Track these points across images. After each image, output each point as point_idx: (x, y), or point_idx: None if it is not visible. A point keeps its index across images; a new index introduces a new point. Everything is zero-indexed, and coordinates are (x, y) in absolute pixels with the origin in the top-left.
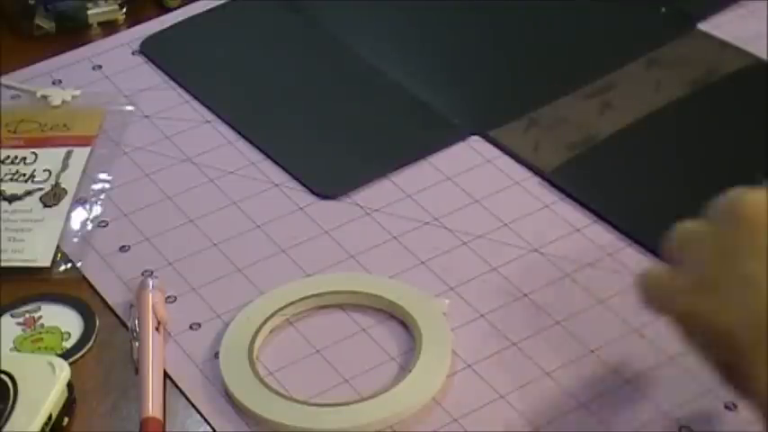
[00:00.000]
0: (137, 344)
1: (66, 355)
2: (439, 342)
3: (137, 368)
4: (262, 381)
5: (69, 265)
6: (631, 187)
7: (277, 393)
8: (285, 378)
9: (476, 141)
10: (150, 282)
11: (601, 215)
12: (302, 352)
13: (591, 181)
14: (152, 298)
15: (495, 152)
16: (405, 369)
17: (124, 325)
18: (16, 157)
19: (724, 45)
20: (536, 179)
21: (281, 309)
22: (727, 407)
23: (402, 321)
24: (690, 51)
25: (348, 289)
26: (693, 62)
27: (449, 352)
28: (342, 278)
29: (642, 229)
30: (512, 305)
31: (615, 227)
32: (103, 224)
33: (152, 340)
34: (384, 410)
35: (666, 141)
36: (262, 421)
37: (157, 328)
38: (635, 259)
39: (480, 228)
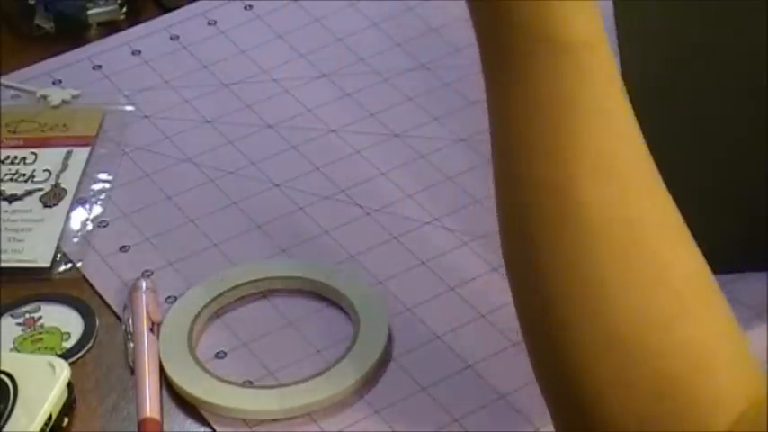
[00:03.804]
0: (131, 345)
1: (66, 355)
2: (376, 331)
3: (132, 369)
4: (198, 362)
5: (69, 265)
6: None
7: (210, 374)
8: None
9: (476, 140)
10: (143, 283)
11: None
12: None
13: None
14: (145, 298)
15: None
16: (337, 357)
17: None
18: (16, 157)
19: None
20: None
21: (223, 293)
22: None
23: (344, 309)
24: None
25: (293, 275)
26: None
27: (384, 343)
28: (288, 264)
29: None
30: (512, 305)
31: None
32: (103, 224)
33: (147, 341)
34: (307, 396)
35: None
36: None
37: (152, 329)
38: None
39: (481, 228)
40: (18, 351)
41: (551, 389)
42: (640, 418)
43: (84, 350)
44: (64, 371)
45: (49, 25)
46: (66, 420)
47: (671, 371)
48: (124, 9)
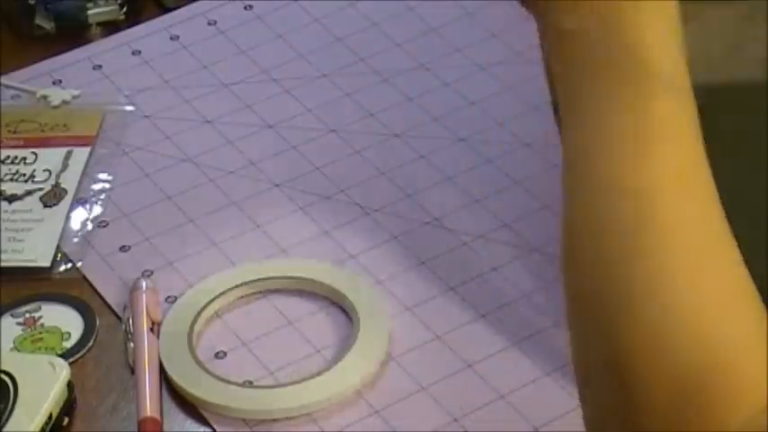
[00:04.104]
0: (131, 345)
1: (66, 355)
2: (376, 331)
3: (132, 369)
4: (198, 362)
5: (69, 265)
6: None
7: (210, 374)
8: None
9: (476, 141)
10: (143, 283)
11: None
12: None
13: None
14: (145, 298)
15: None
16: (337, 357)
17: None
18: (16, 157)
19: None
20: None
21: (223, 293)
22: None
23: (344, 309)
24: None
25: (293, 275)
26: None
27: (384, 343)
28: (288, 264)
29: None
30: (512, 306)
31: None
32: (103, 224)
33: (147, 341)
34: (307, 396)
35: None
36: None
37: (152, 329)
38: None
39: (481, 228)
40: (18, 351)
41: (592, 373)
42: (671, 397)
43: (84, 350)
44: (64, 371)
45: (49, 25)
46: (66, 420)
47: (702, 364)
48: (124, 9)
